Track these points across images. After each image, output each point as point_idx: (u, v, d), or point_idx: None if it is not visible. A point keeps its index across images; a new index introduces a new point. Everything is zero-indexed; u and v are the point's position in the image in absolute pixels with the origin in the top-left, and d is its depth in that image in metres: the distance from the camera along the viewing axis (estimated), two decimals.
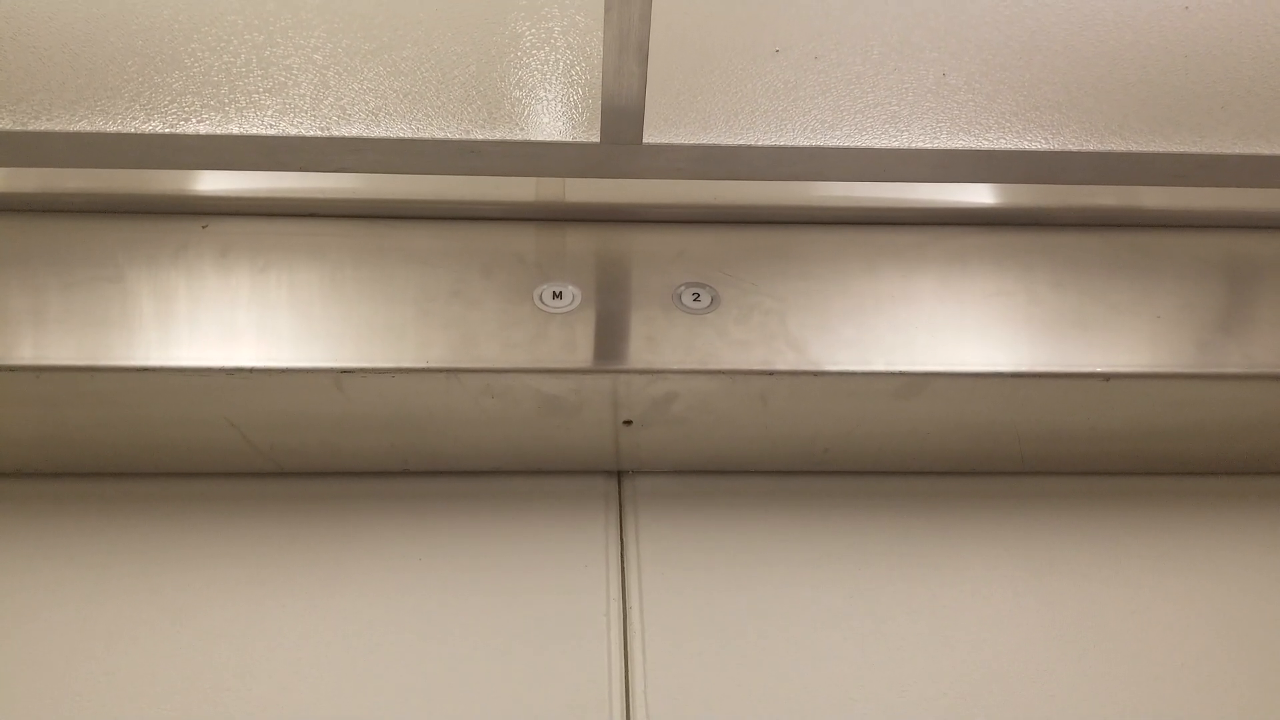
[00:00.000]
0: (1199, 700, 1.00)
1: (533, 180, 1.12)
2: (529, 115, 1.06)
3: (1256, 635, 1.05)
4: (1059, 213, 1.17)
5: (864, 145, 1.09)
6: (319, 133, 1.06)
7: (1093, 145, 1.11)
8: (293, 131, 1.06)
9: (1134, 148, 1.11)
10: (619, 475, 1.13)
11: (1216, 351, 1.05)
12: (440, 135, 1.07)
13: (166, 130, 1.04)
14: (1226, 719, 0.98)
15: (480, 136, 1.07)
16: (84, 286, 1.04)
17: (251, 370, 0.98)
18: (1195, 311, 1.09)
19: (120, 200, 1.11)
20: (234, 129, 1.05)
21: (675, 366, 1.01)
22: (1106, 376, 1.03)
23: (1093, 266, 1.13)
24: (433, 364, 1.00)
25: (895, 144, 1.09)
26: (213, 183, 1.11)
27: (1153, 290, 1.11)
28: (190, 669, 0.96)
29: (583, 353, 1.02)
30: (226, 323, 1.02)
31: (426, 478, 1.11)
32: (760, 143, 1.09)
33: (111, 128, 1.04)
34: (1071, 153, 1.11)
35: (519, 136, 1.07)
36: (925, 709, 0.97)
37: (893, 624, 1.03)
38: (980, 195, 1.16)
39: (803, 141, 1.09)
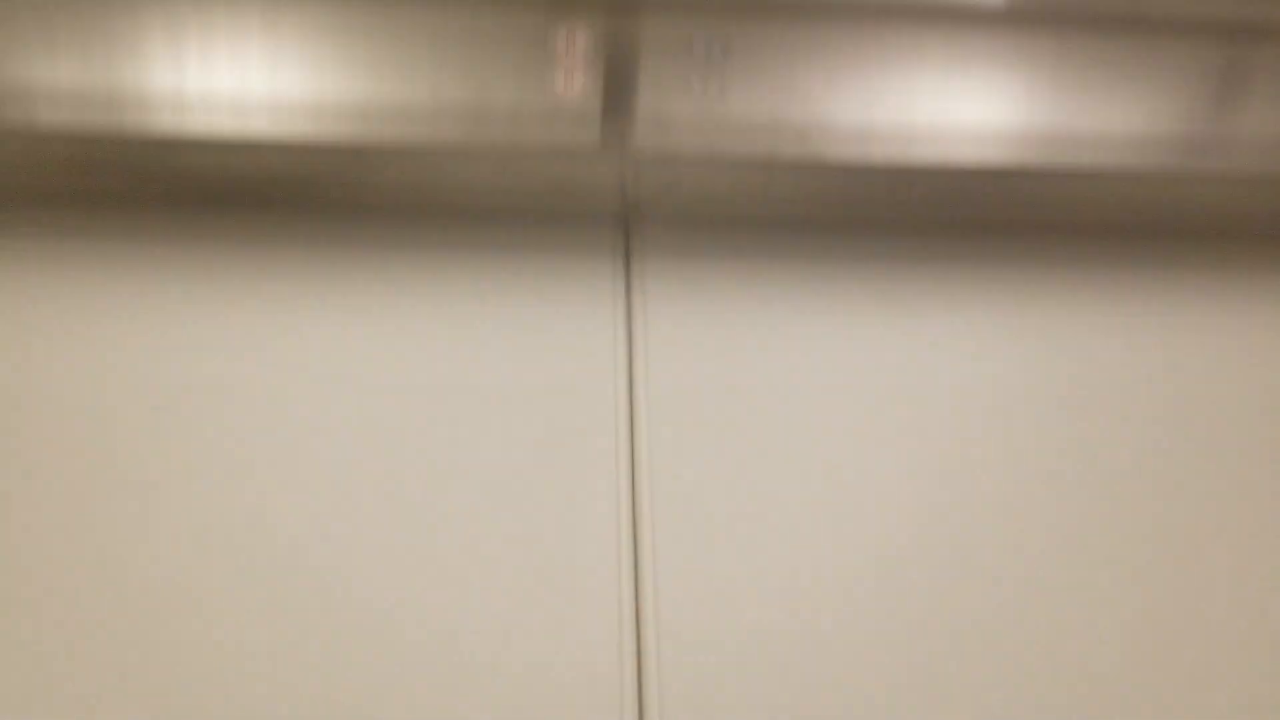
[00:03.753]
0: (1157, 459, 1.14)
1: None
2: None
3: (1235, 389, 1.17)
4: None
5: None
6: None
7: None
8: None
9: None
10: (625, 208, 1.20)
11: None
12: None
13: None
14: (1191, 475, 1.13)
15: None
16: None
17: None
18: None
19: None
20: None
21: (685, 116, 1.05)
22: None
23: None
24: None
25: None
26: None
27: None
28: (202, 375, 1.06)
29: (593, 101, 1.05)
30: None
31: (444, 215, 1.18)
32: None
33: None
34: None
35: None
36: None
37: (874, 348, 1.15)
38: None
39: None
